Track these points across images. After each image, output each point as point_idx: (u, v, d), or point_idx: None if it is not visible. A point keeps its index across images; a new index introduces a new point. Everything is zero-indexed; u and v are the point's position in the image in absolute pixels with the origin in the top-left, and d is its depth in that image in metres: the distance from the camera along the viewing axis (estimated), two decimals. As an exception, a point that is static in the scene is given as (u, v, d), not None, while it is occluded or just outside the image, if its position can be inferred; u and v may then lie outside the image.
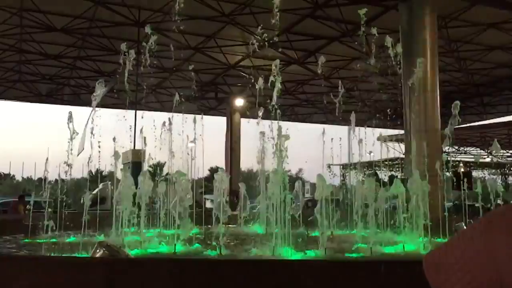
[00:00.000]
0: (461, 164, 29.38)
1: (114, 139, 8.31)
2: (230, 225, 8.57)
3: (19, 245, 6.62)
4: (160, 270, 3.23)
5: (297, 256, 5.09)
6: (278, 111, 6.41)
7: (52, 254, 5.18)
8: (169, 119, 9.17)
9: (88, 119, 6.70)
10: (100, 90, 6.41)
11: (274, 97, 6.35)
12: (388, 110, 12.63)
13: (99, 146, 7.17)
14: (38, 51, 19.46)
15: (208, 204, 21.01)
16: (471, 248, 0.62)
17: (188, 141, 9.96)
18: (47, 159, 7.07)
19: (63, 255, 5.02)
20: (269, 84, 6.48)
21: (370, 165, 20.32)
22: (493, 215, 0.68)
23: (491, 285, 0.57)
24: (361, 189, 7.52)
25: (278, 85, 6.29)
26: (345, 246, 6.08)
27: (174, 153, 9.15)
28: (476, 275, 0.59)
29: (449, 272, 0.61)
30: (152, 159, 10.00)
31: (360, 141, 9.68)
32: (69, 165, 6.19)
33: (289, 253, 5.11)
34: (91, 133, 7.29)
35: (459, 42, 17.99)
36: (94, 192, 13.93)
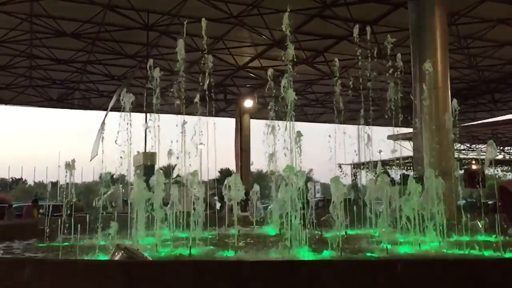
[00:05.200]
0: (473, 162, 29.15)
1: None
2: (243, 227, 8.58)
3: (35, 249, 6.67)
4: (179, 272, 3.24)
5: (313, 257, 5.08)
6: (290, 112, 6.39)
7: (71, 258, 5.22)
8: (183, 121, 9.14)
9: (102, 124, 6.75)
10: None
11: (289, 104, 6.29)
12: (399, 108, 12.56)
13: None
14: (49, 56, 19.64)
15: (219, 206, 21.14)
16: None
17: (198, 143, 9.94)
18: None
19: (82, 258, 5.06)
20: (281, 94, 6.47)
21: (382, 164, 20.20)
22: None
23: None
24: (373, 188, 7.48)
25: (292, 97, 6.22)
26: (361, 246, 6.06)
27: (185, 155, 9.12)
28: None
29: None
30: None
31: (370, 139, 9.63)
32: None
33: (305, 254, 5.10)
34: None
35: (469, 38, 17.87)
36: (106, 195, 13.97)
